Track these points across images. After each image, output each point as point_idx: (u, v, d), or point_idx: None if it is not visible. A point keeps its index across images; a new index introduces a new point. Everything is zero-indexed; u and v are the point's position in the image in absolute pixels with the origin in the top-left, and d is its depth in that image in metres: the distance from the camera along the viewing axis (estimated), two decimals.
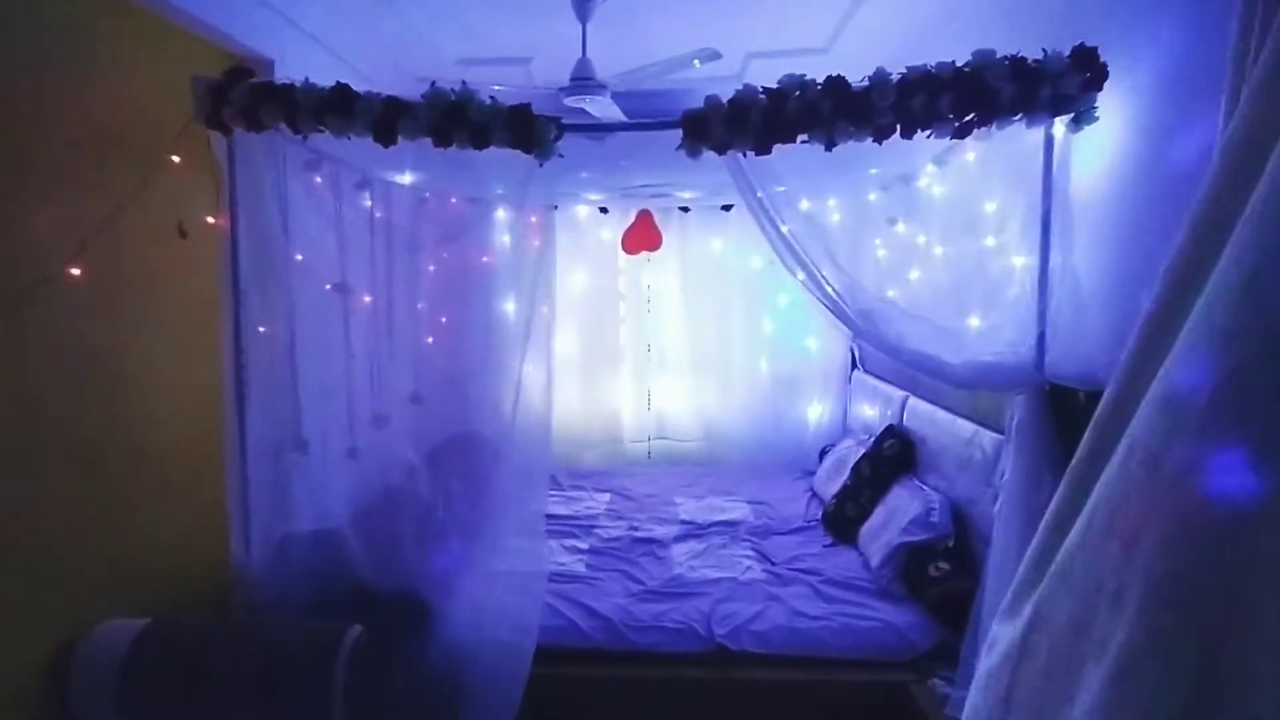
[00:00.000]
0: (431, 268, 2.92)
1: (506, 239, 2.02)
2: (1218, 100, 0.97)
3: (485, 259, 2.69)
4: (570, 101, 2.52)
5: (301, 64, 2.11)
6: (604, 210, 3.77)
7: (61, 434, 1.53)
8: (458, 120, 1.68)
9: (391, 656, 1.69)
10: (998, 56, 1.57)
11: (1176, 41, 1.45)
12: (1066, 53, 1.55)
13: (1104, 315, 1.62)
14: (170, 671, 1.55)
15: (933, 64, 1.59)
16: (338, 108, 1.67)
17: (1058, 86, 1.55)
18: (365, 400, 2.40)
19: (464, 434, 2.69)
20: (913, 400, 2.77)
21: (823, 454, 3.45)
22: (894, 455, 2.65)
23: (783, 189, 1.90)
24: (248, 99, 1.67)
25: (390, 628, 1.73)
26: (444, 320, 2.90)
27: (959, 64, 1.58)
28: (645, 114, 1.86)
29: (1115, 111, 1.60)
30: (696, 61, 2.40)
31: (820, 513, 2.90)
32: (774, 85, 1.65)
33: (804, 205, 2.05)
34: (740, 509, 3.05)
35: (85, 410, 1.59)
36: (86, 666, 1.52)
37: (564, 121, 1.74)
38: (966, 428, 2.23)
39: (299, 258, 2.01)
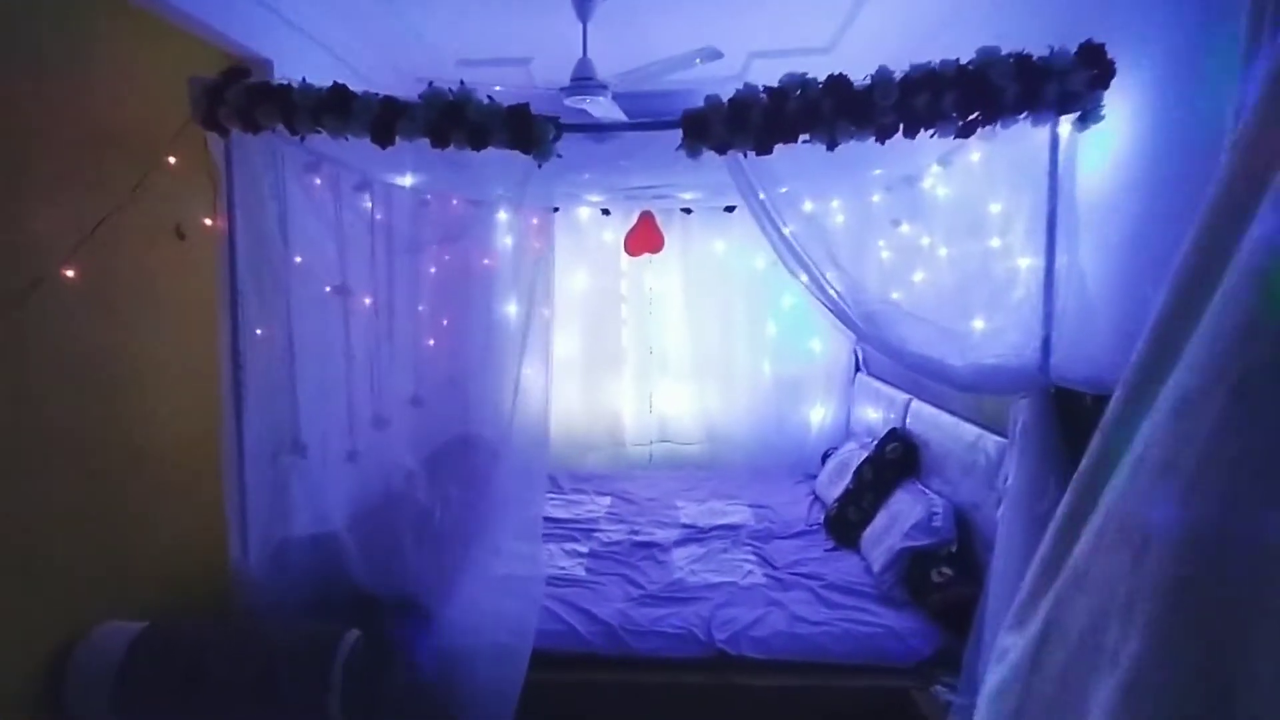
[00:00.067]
0: (432, 270, 2.91)
1: (508, 241, 2.01)
2: (1227, 97, 0.94)
3: (486, 261, 2.68)
4: (570, 102, 2.51)
5: (300, 65, 2.10)
6: (606, 212, 3.76)
7: (60, 435, 1.53)
8: (456, 120, 1.67)
9: (389, 660, 1.67)
10: (1002, 54, 1.54)
11: (1184, 37, 1.43)
12: (1073, 49, 1.53)
13: (1111, 317, 1.60)
14: (167, 674, 1.54)
15: (936, 62, 1.57)
16: (335, 108, 1.66)
17: (1064, 84, 1.52)
18: (365, 403, 2.40)
19: (464, 436, 2.68)
20: (916, 403, 2.75)
21: (825, 457, 3.42)
22: (897, 459, 2.62)
23: (785, 190, 1.88)
24: (244, 99, 1.66)
25: (388, 632, 1.72)
26: (445, 322, 2.90)
27: (963, 62, 1.56)
28: (646, 115, 1.84)
29: (1122, 109, 1.58)
30: (698, 60, 2.38)
31: (822, 517, 2.88)
32: (775, 85, 1.64)
33: (807, 207, 2.04)
34: (742, 512, 3.03)
35: (84, 412, 1.59)
36: (84, 669, 1.52)
37: (564, 122, 1.73)
38: (970, 431, 2.21)
39: (298, 259, 2.00)
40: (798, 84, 1.63)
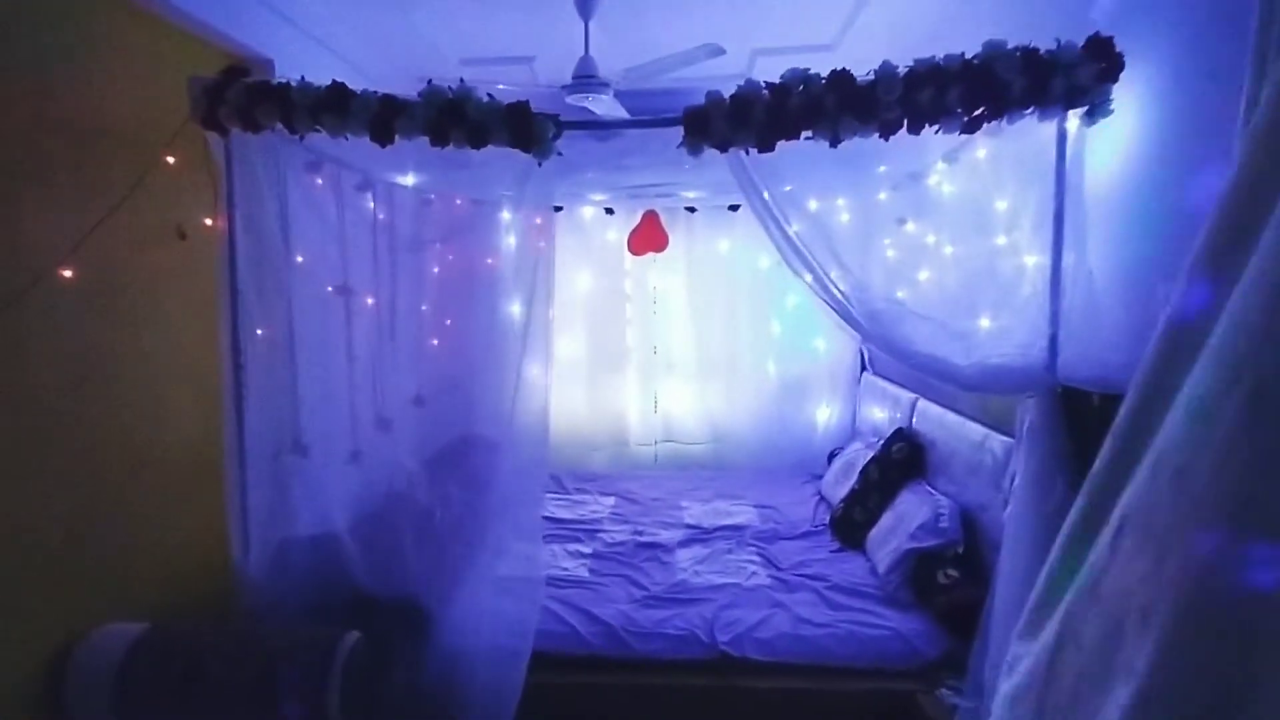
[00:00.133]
0: (436, 269, 2.91)
1: (510, 240, 2.00)
2: (1239, 90, 0.92)
3: (490, 260, 2.67)
4: (573, 100, 2.50)
5: (303, 65, 2.10)
6: (609, 211, 3.74)
7: (61, 435, 1.53)
8: (455, 119, 1.66)
9: (388, 662, 1.67)
10: (1008, 48, 1.52)
11: (1194, 29, 1.40)
12: (1080, 43, 1.50)
13: (1119, 315, 1.57)
14: (167, 676, 1.54)
15: (940, 56, 1.55)
16: (334, 107, 1.66)
17: (1071, 78, 1.49)
18: (367, 403, 2.39)
19: (466, 437, 2.67)
20: (922, 403, 2.72)
21: (831, 457, 3.40)
22: (903, 459, 2.59)
23: (789, 188, 1.86)
24: (243, 99, 1.66)
25: (388, 634, 1.72)
26: (448, 322, 2.89)
27: (968, 56, 1.53)
28: (650, 113, 1.83)
29: (1131, 103, 1.55)
30: (701, 57, 2.36)
31: (828, 517, 2.85)
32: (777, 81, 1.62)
33: (812, 205, 2.01)
34: (746, 513, 3.01)
35: (85, 412, 1.59)
36: (84, 670, 1.52)
37: (565, 120, 1.72)
38: (977, 431, 2.18)
39: (299, 259, 2.00)
40: (800, 80, 1.61)
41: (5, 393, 1.40)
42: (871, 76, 1.57)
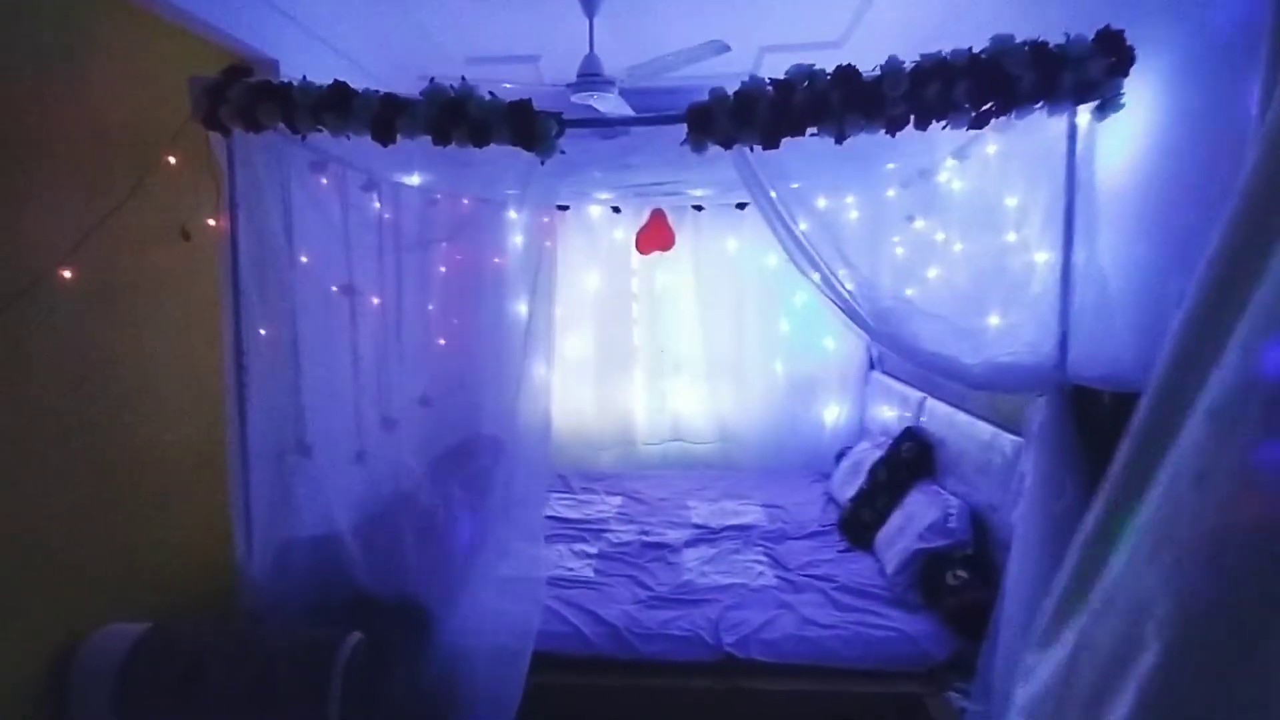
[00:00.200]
0: (442, 269, 2.91)
1: (515, 239, 1.99)
2: (1253, 83, 0.90)
3: (496, 260, 2.67)
4: (577, 98, 2.49)
5: (307, 65, 2.10)
6: (617, 210, 3.74)
7: (64, 436, 1.53)
8: (457, 117, 1.65)
9: (389, 664, 1.66)
10: (1017, 42, 1.49)
11: (1207, 21, 1.37)
12: (1090, 36, 1.47)
13: (1131, 313, 1.54)
14: (168, 677, 1.54)
15: (947, 51, 1.52)
16: (335, 106, 1.65)
17: (1081, 72, 1.47)
18: (372, 403, 2.40)
19: (471, 438, 2.67)
20: (931, 402, 2.69)
21: (840, 456, 3.37)
22: (911, 459, 2.57)
23: (797, 185, 1.85)
24: (245, 98, 1.66)
25: (390, 634, 1.71)
26: (454, 321, 2.89)
27: (976, 51, 1.51)
28: (655, 111, 1.81)
29: (1143, 98, 1.51)
30: (706, 54, 2.34)
31: (836, 517, 2.83)
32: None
33: (820, 203, 2.00)
34: (754, 513, 2.99)
35: (89, 412, 1.59)
36: (85, 670, 1.52)
37: (568, 118, 1.71)
38: (986, 430, 2.15)
39: (304, 259, 2.00)
40: (805, 76, 1.59)
41: (6, 393, 1.41)
42: (877, 72, 1.54)
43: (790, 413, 3.76)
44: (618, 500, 3.19)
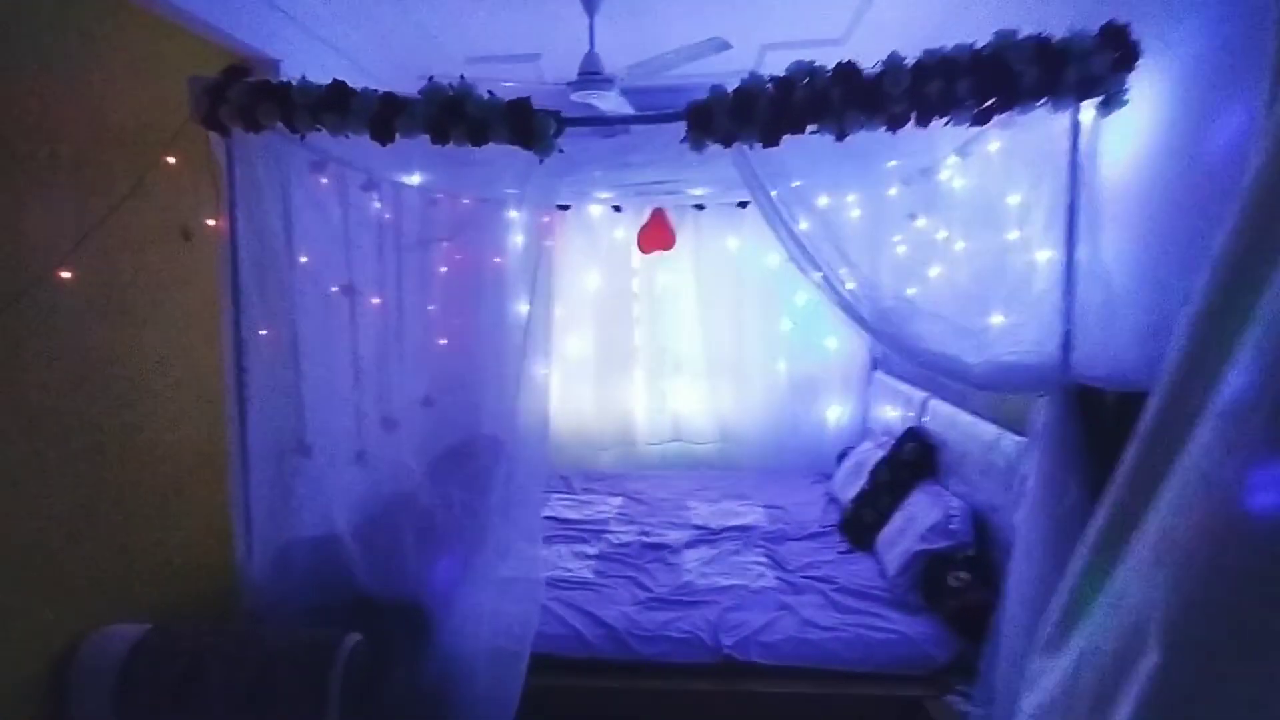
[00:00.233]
0: (444, 269, 2.91)
1: (516, 239, 1.99)
2: (1260, 77, 0.88)
3: (498, 259, 2.66)
4: (578, 97, 2.48)
5: (309, 65, 2.11)
6: (618, 209, 3.73)
7: (65, 437, 1.54)
8: (455, 116, 1.64)
9: (388, 665, 1.66)
10: (1020, 37, 1.47)
11: (1213, 15, 1.35)
12: (1094, 31, 1.45)
13: (1135, 311, 1.52)
14: (168, 677, 1.54)
15: (949, 46, 1.51)
16: (334, 105, 1.65)
17: (1085, 68, 1.45)
18: (373, 403, 2.39)
19: (471, 438, 2.67)
20: (934, 402, 2.67)
21: (841, 457, 3.35)
22: (913, 459, 2.55)
23: (798, 184, 1.83)
24: (244, 98, 1.65)
25: (389, 635, 1.71)
26: (455, 321, 2.89)
27: (978, 46, 1.49)
28: (656, 110, 1.80)
29: (1147, 93, 1.50)
30: (707, 51, 2.33)
31: (837, 518, 2.81)
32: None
33: (822, 201, 1.98)
34: (755, 513, 2.98)
35: (87, 413, 1.59)
36: (86, 671, 1.53)
37: (567, 116, 1.70)
38: (989, 431, 2.13)
39: (303, 259, 2.00)
40: (805, 73, 1.58)
41: (6, 393, 1.41)
42: (878, 69, 1.53)
43: (792, 413, 3.74)
44: (618, 501, 3.18)
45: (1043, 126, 1.58)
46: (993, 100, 1.51)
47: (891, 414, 3.17)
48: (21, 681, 1.45)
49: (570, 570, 2.41)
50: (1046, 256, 1.65)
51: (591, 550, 2.60)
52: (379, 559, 1.89)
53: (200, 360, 1.88)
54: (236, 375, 1.81)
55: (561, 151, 1.72)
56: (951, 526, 2.09)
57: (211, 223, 1.84)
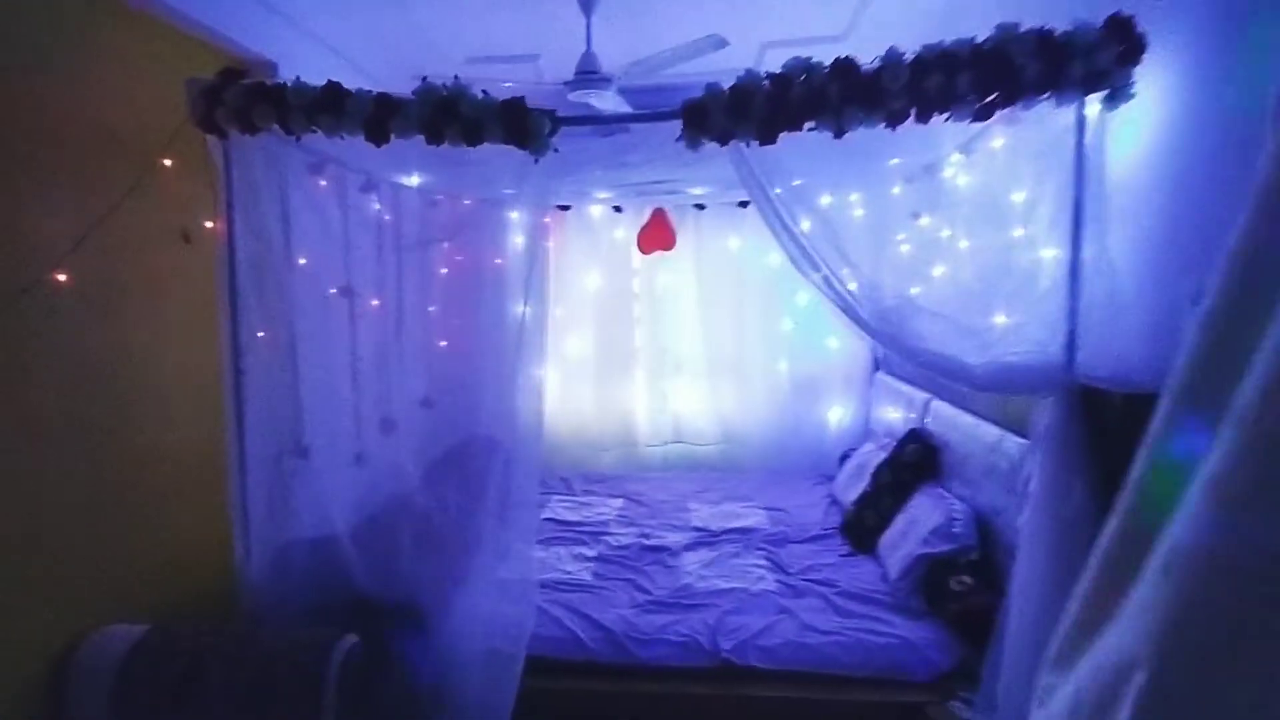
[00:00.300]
0: (444, 270, 2.90)
1: (514, 239, 1.98)
2: (1270, 71, 0.85)
3: (498, 260, 2.65)
4: (575, 97, 2.47)
5: (307, 67, 2.09)
6: (618, 209, 3.71)
7: (64, 438, 1.54)
8: (449, 116, 1.63)
9: (385, 666, 1.65)
10: (1022, 30, 1.45)
11: (1222, 6, 1.31)
12: (1099, 23, 1.42)
13: (1142, 311, 1.49)
14: (167, 678, 1.54)
15: (949, 41, 1.48)
16: (329, 107, 1.64)
17: (1089, 61, 1.42)
18: (372, 405, 2.39)
19: (469, 439, 2.66)
20: (936, 403, 2.64)
21: (844, 458, 3.32)
22: (915, 461, 2.51)
23: (799, 183, 1.81)
24: (240, 100, 1.65)
25: (386, 636, 1.70)
26: (455, 322, 2.88)
27: (979, 40, 1.46)
28: (654, 109, 1.78)
29: (1155, 87, 1.46)
30: (704, 49, 2.31)
31: (839, 520, 2.78)
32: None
33: (824, 200, 1.96)
34: (756, 516, 2.95)
35: (86, 414, 1.60)
36: (85, 671, 1.53)
37: (562, 115, 1.68)
38: (991, 432, 2.10)
39: (302, 261, 1.99)
40: (802, 69, 1.55)
41: (6, 394, 1.41)
42: (877, 64, 1.50)
43: (794, 414, 3.71)
44: (619, 502, 3.16)
45: (1047, 122, 1.55)
46: (994, 95, 1.48)
47: (894, 415, 3.14)
48: (20, 681, 1.45)
49: (569, 572, 2.39)
50: (1051, 254, 1.62)
51: (590, 552, 2.59)
52: (376, 560, 1.88)
53: (199, 361, 1.88)
54: (234, 377, 1.81)
55: (556, 151, 1.70)
56: (954, 530, 2.06)
57: (210, 225, 1.84)
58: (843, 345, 3.65)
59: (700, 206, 3.63)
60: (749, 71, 1.59)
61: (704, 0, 2.45)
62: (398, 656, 1.72)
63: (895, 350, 1.88)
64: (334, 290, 2.19)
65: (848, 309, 1.80)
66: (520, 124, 1.64)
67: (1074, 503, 1.48)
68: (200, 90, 1.69)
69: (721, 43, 2.31)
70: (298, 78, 1.68)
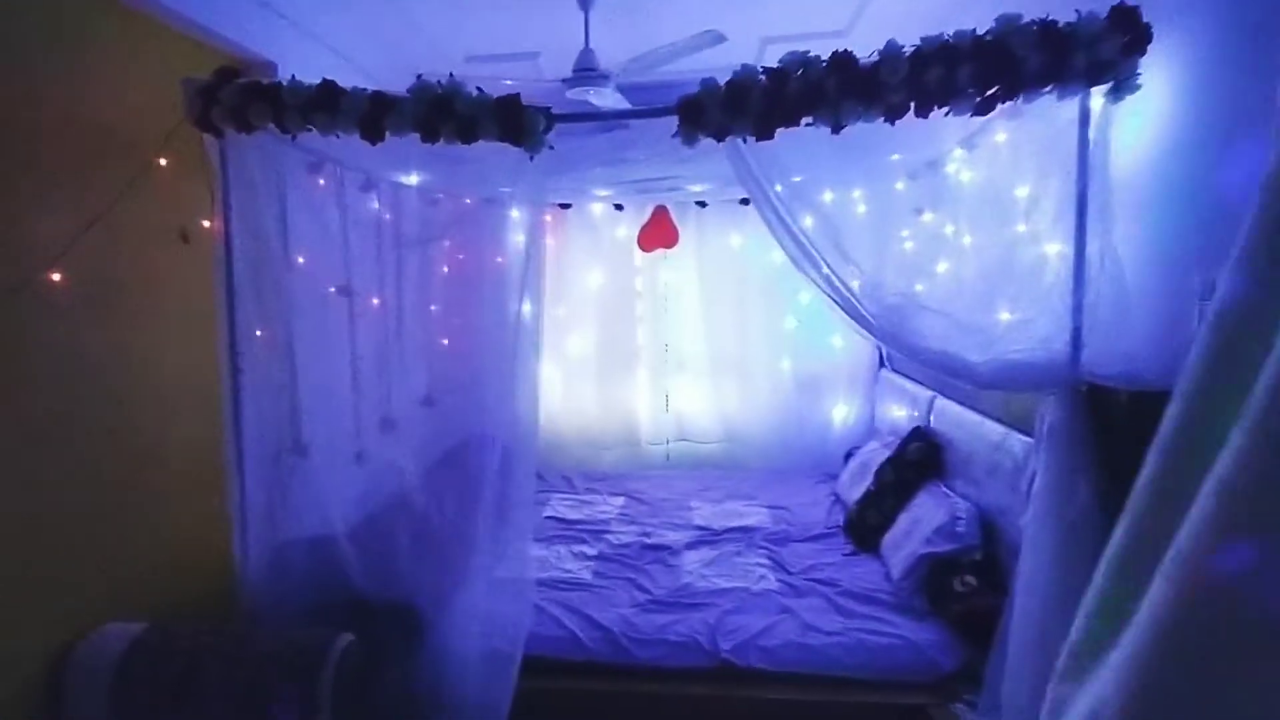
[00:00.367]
0: (445, 269, 2.90)
1: (513, 238, 1.97)
2: (1277, 60, 0.82)
3: (499, 259, 2.64)
4: (573, 94, 2.45)
5: (305, 67, 2.09)
6: (619, 207, 3.69)
7: (63, 437, 1.54)
8: (444, 114, 1.62)
9: (381, 666, 1.65)
10: (1024, 21, 1.42)
11: None
12: (1103, 13, 1.39)
13: (1149, 306, 1.46)
14: (165, 677, 1.54)
15: (949, 33, 1.45)
16: (324, 105, 1.64)
17: (1093, 52, 1.39)
18: (372, 404, 2.39)
19: (469, 438, 2.65)
20: (940, 401, 2.61)
21: (848, 457, 3.29)
22: (919, 459, 2.49)
23: (799, 179, 1.78)
24: (236, 99, 1.65)
25: (383, 636, 1.70)
26: (455, 321, 2.88)
27: (980, 32, 1.44)
28: (654, 106, 1.76)
29: (1160, 78, 1.43)
30: (702, 44, 2.29)
31: (842, 519, 2.76)
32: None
33: (827, 197, 1.93)
34: (758, 514, 2.93)
35: (85, 413, 1.60)
36: (83, 670, 1.53)
37: (558, 112, 1.67)
38: (996, 430, 2.07)
39: (300, 260, 1.99)
40: (799, 63, 1.53)
41: (5, 393, 1.41)
42: (875, 58, 1.48)
43: (797, 412, 3.68)
44: (620, 501, 3.15)
45: (1051, 115, 1.52)
46: (995, 88, 1.45)
47: (898, 413, 3.11)
48: (19, 679, 1.45)
49: (569, 571, 2.38)
50: (1056, 250, 1.59)
51: (591, 551, 2.58)
52: (375, 560, 1.88)
53: (198, 361, 1.88)
54: (232, 376, 1.81)
55: (552, 148, 1.69)
56: (958, 529, 2.03)
57: (207, 224, 1.84)
58: (847, 343, 3.62)
59: (702, 204, 3.61)
60: (745, 66, 1.57)
61: None
62: (395, 656, 1.71)
63: (897, 348, 1.86)
64: (333, 289, 2.19)
65: (849, 307, 1.78)
66: (515, 121, 1.63)
67: (1079, 502, 1.46)
68: (196, 89, 1.69)
69: (720, 38, 2.29)
70: (293, 76, 1.67)
